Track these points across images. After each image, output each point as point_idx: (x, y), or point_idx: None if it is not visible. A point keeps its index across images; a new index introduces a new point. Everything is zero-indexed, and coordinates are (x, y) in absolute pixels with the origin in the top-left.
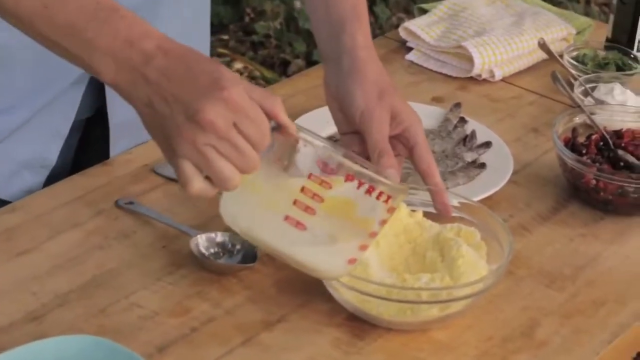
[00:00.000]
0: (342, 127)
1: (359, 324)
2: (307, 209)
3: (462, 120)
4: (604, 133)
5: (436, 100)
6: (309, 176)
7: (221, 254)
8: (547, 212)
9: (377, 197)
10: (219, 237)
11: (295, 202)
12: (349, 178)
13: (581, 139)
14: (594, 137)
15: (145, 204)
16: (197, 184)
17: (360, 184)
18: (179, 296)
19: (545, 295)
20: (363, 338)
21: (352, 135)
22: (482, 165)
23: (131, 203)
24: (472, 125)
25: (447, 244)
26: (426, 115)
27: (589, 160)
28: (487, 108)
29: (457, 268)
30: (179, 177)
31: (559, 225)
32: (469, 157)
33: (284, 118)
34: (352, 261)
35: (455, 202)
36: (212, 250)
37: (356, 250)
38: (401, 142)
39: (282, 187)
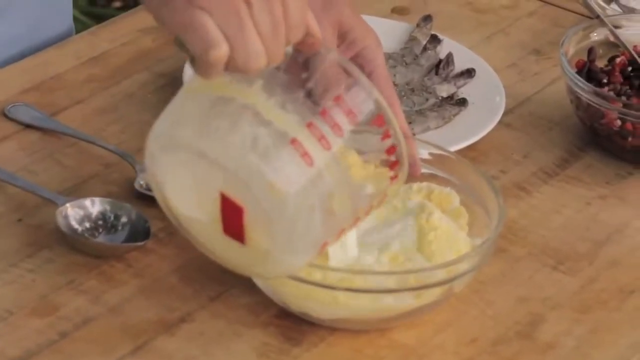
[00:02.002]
0: None
1: (293, 323)
2: (322, 140)
3: (435, 40)
4: (634, 54)
5: (398, 11)
6: (337, 98)
7: (100, 230)
8: (553, 166)
9: (391, 166)
10: (97, 205)
11: (310, 125)
12: (379, 122)
13: (601, 63)
14: (618, 60)
15: None
16: (224, 47)
17: (385, 137)
18: (42, 288)
19: (552, 280)
20: (299, 342)
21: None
22: (462, 102)
23: None
24: (448, 46)
25: (413, 212)
26: (385, 32)
27: (611, 93)
28: (470, 22)
29: (427, 245)
30: (196, 39)
31: (570, 184)
32: (444, 90)
33: (314, 26)
34: (324, 245)
35: (424, 153)
36: (87, 225)
37: (335, 232)
38: None
39: (292, 107)
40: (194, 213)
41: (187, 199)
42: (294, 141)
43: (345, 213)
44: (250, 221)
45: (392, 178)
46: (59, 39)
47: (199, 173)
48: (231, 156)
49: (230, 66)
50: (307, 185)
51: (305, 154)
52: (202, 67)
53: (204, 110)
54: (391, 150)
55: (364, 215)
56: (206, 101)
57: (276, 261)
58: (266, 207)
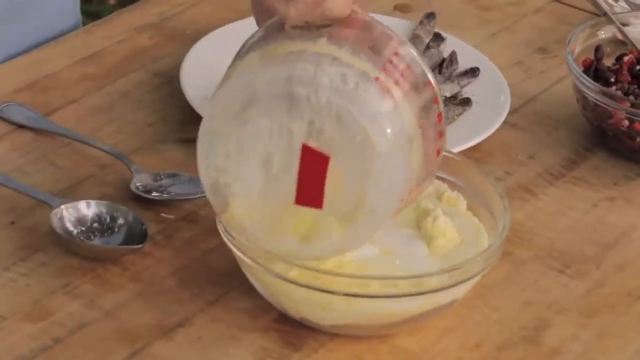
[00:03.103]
0: None
1: (293, 328)
2: (397, 84)
3: (438, 38)
4: None
5: (400, 9)
6: (396, 54)
7: (95, 232)
8: (559, 167)
9: (439, 136)
10: (92, 207)
11: (385, 70)
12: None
13: (608, 62)
14: (626, 58)
15: None
16: None
17: (435, 102)
18: (36, 292)
19: (558, 284)
20: (299, 347)
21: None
22: (466, 102)
23: None
24: (451, 44)
25: (423, 215)
26: None
27: (619, 92)
28: (474, 19)
29: (437, 249)
30: None
31: (576, 186)
32: (448, 90)
33: None
34: (400, 203)
35: None
36: (82, 227)
37: (407, 191)
38: None
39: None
40: (257, 198)
41: (252, 186)
42: (377, 79)
43: (418, 171)
44: (333, 176)
45: (438, 151)
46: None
47: (275, 133)
48: (324, 94)
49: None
50: (395, 123)
51: (389, 92)
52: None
53: (278, 61)
54: (440, 117)
55: (414, 194)
56: (276, 57)
57: (360, 221)
58: (358, 145)
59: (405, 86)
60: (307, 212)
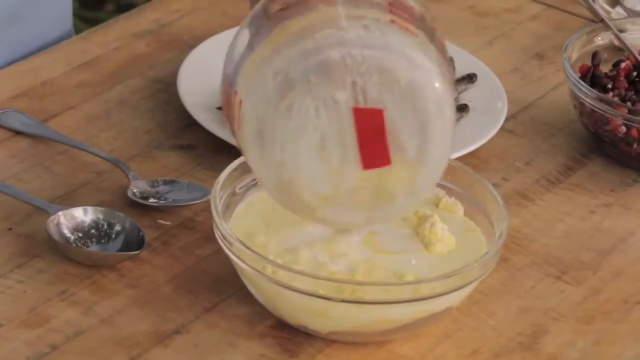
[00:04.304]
0: None
1: (290, 335)
2: (408, 21)
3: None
4: (639, 59)
5: None
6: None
7: (92, 239)
8: (556, 174)
9: None
10: (89, 214)
11: (391, 12)
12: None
13: (605, 68)
14: (623, 64)
15: None
16: None
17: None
18: (32, 299)
19: (555, 291)
20: (296, 354)
21: None
22: (463, 108)
23: None
24: (448, 50)
25: (421, 221)
26: None
27: (616, 99)
28: (471, 25)
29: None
30: None
31: (573, 192)
32: None
33: None
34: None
35: None
36: (79, 234)
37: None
38: None
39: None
40: (326, 182)
41: (315, 170)
42: (392, 22)
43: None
44: (391, 126)
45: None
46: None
47: (321, 110)
48: (357, 50)
49: None
50: (427, 52)
51: (407, 29)
52: None
53: (297, 39)
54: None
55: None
56: (291, 38)
57: (430, 164)
58: (405, 86)
59: (413, 22)
60: (372, 175)
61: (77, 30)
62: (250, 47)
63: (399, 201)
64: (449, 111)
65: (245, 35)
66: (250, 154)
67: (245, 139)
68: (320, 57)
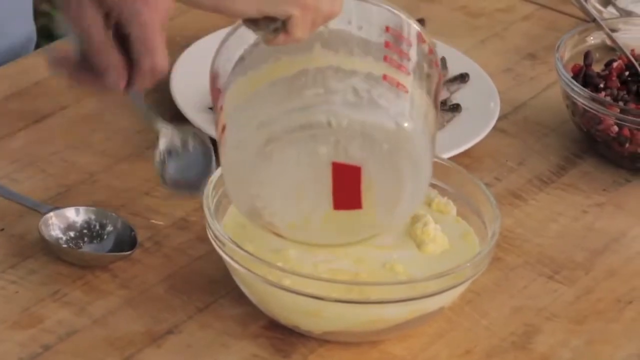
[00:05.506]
0: None
1: (283, 335)
2: (401, 68)
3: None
4: (631, 58)
5: None
6: (387, 28)
7: (85, 239)
8: (549, 173)
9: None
10: (82, 214)
11: (385, 58)
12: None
13: (597, 68)
14: (615, 64)
15: None
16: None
17: (430, 52)
18: (25, 300)
19: (548, 290)
20: (289, 354)
21: None
22: (456, 108)
23: None
24: (441, 50)
25: (413, 221)
26: None
27: (608, 98)
28: (464, 25)
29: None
30: (294, 26)
31: (566, 192)
32: None
33: None
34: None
35: None
36: (71, 234)
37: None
38: None
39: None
40: (297, 214)
41: (289, 204)
42: (385, 77)
43: (434, 125)
44: (367, 179)
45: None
46: (21, 46)
47: (302, 158)
48: (343, 116)
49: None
50: (413, 113)
51: (398, 84)
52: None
53: (286, 92)
54: (436, 64)
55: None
56: (282, 85)
57: (400, 210)
58: (388, 149)
59: (408, 64)
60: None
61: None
62: (243, 64)
63: (363, 232)
64: (426, 168)
65: (241, 41)
66: (229, 180)
67: (223, 163)
68: (307, 118)
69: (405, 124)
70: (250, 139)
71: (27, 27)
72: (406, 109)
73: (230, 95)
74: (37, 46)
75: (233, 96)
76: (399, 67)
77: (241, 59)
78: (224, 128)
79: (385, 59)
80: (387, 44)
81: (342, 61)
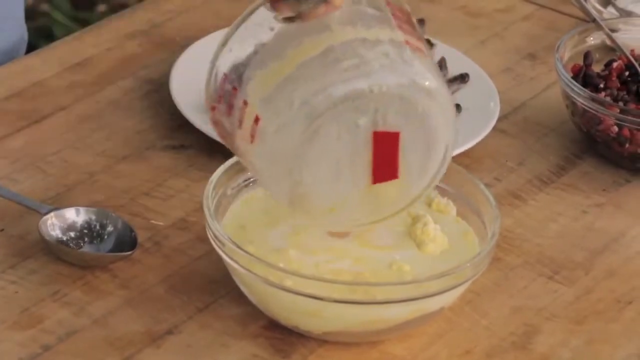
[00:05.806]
0: None
1: (283, 335)
2: (414, 34)
3: (427, 44)
4: (631, 59)
5: None
6: (387, 3)
7: (85, 239)
8: (548, 174)
9: None
10: (82, 214)
11: (400, 27)
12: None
13: (597, 68)
14: (615, 64)
15: None
16: None
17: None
18: (25, 300)
19: (547, 290)
20: (289, 354)
21: None
22: (456, 108)
23: None
24: (441, 50)
25: (414, 221)
26: None
27: (608, 98)
28: (463, 26)
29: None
30: None
31: (566, 192)
32: None
33: None
34: None
35: None
36: (71, 234)
37: None
38: None
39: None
40: (337, 196)
41: (329, 187)
42: (407, 42)
43: None
44: (402, 146)
45: None
46: (12, 49)
47: (343, 134)
48: (383, 80)
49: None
50: (436, 72)
51: (418, 49)
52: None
53: (320, 69)
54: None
55: None
56: (313, 64)
57: (427, 177)
58: (422, 111)
59: (414, 33)
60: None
61: (69, 31)
62: (261, 59)
63: (397, 205)
64: (454, 130)
65: (245, 38)
66: (264, 169)
67: (260, 155)
68: (347, 88)
69: (436, 84)
70: (293, 120)
71: (18, 29)
72: (432, 71)
73: (253, 88)
74: (35, 46)
75: (258, 89)
76: (412, 34)
77: (254, 54)
78: (257, 119)
79: (399, 27)
80: (395, 15)
81: (364, 33)
